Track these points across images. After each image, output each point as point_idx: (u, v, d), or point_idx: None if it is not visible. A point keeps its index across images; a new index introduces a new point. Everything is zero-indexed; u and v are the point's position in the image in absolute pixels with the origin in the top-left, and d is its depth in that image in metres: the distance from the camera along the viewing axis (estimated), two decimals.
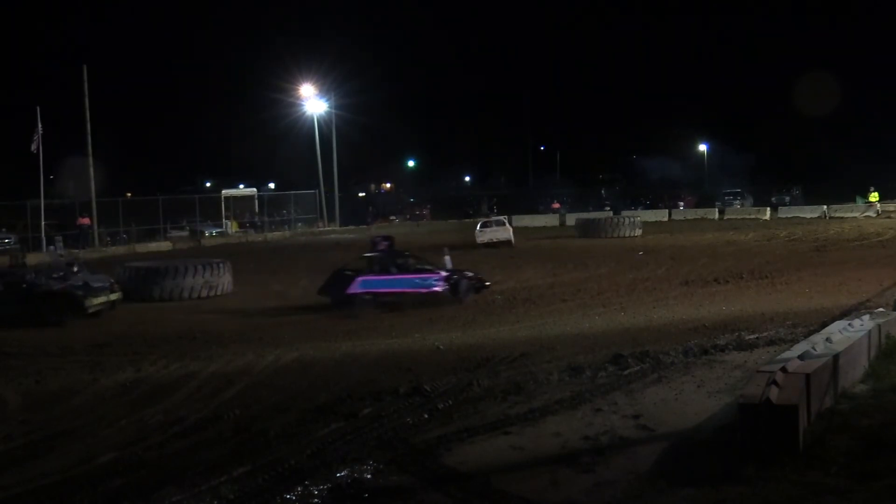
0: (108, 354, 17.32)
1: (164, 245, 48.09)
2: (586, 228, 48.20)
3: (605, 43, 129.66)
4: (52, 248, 24.92)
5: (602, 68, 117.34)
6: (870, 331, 13.47)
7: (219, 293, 26.21)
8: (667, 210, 66.97)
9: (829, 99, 74.16)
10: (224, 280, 26.73)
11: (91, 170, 47.91)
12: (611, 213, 62.14)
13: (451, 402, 12.39)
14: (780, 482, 8.69)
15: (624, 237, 45.72)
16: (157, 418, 12.34)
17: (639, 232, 46.74)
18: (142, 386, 14.45)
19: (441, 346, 17.00)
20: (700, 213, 65.03)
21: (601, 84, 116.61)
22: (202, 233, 53.09)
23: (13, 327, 20.50)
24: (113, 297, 22.80)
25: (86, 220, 48.25)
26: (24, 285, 21.84)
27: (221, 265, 26.92)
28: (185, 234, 53.30)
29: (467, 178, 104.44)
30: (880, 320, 14.36)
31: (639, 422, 11.10)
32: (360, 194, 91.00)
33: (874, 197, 58.64)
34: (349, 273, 23.08)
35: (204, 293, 25.91)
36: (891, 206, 57.70)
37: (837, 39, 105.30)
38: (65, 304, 21.47)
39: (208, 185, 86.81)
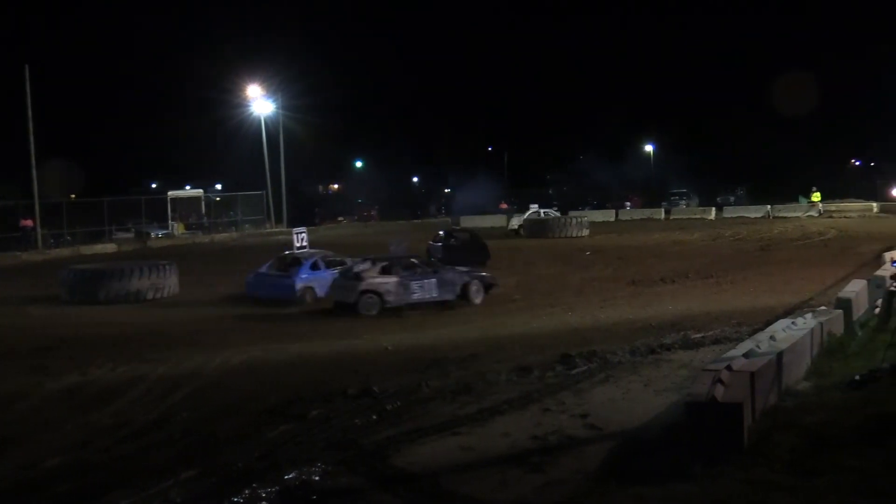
0: (52, 358, 17.04)
1: (110, 247, 47.21)
2: (534, 229, 48.32)
3: (551, 44, 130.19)
4: (396, 241, 27.72)
5: (548, 69, 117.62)
6: (812, 329, 13.73)
7: (165, 295, 25.88)
8: (614, 210, 67.20)
9: (773, 99, 75.05)
10: (171, 282, 26.40)
11: (34, 171, 47.02)
12: (558, 214, 62.32)
13: (400, 403, 12.41)
14: (727, 479, 8.81)
15: (572, 237, 45.82)
16: (105, 422, 12.21)
17: (586, 232, 46.94)
18: (88, 389, 14.27)
19: (390, 348, 17.00)
20: (647, 213, 65.40)
21: (548, 85, 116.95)
22: (148, 234, 52.32)
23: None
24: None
25: (28, 223, 47.33)
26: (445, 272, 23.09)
27: (168, 267, 26.59)
28: (130, 235, 52.39)
29: (415, 179, 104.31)
30: (823, 318, 14.65)
31: (587, 421, 11.19)
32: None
33: (816, 197, 59.43)
34: None
35: (150, 295, 25.57)
36: (832, 206, 58.59)
37: (782, 40, 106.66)
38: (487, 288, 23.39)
39: (154, 186, 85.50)
